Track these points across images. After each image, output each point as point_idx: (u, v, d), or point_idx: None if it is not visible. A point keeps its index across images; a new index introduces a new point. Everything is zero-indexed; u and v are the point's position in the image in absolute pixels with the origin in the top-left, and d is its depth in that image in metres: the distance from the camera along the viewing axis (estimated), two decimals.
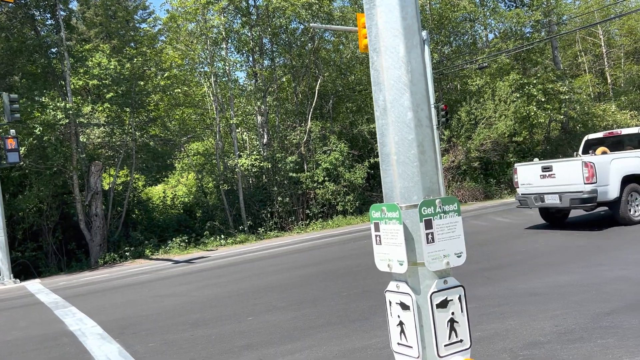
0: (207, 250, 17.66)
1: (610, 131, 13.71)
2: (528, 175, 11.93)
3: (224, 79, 22.13)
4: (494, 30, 30.77)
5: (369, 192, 23.03)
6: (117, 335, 6.83)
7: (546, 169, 11.54)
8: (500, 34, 29.71)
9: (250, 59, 23.09)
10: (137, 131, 20.30)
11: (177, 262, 15.32)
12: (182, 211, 23.09)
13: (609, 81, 38.41)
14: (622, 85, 37.69)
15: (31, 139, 17.39)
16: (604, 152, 12.56)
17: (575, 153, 14.71)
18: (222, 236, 19.10)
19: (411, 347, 2.21)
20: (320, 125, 22.91)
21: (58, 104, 16.79)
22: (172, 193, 24.43)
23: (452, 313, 2.22)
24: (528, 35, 28.19)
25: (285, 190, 21.36)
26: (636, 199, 11.44)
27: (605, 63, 38.68)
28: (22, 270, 17.88)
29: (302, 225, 20.83)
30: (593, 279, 6.80)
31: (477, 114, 24.85)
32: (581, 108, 28.84)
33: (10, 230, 17.87)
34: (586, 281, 6.74)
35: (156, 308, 8.48)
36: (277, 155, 21.23)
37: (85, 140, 19.92)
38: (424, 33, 16.95)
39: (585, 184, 10.77)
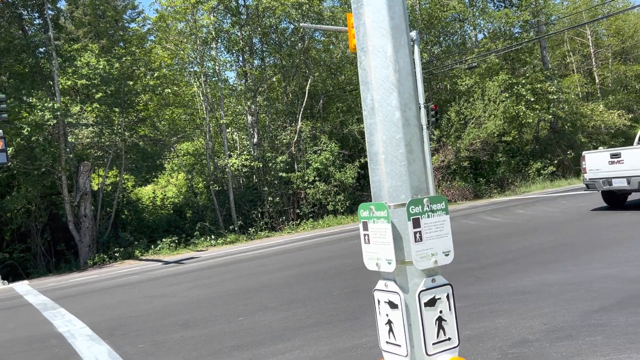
0: (198, 251, 17.61)
1: None
2: (596, 161, 12.93)
3: (214, 79, 22.05)
4: (483, 30, 30.96)
5: (360, 192, 23.04)
6: (106, 337, 6.79)
7: (615, 155, 12.54)
8: (490, 34, 29.89)
9: (240, 58, 23.04)
10: (127, 131, 20.18)
11: (167, 262, 15.26)
12: (172, 212, 23.01)
13: (597, 81, 38.76)
14: (610, 85, 38.09)
15: (19, 139, 17.25)
16: None
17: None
18: (213, 236, 19.04)
19: (400, 346, 2.21)
20: (310, 125, 22.89)
21: (46, 104, 16.65)
22: (162, 193, 24.33)
23: (440, 311, 2.23)
24: (517, 35, 28.41)
25: (275, 190, 21.33)
26: None
27: (593, 63, 39.03)
28: (10, 271, 17.72)
29: (293, 225, 20.81)
30: (582, 277, 6.85)
31: (466, 113, 24.95)
32: (569, 108, 29.15)
33: None
34: (575, 279, 6.79)
35: (146, 309, 8.44)
36: (267, 155, 21.19)
37: (74, 140, 19.79)
38: (413, 33, 16.98)
39: None
